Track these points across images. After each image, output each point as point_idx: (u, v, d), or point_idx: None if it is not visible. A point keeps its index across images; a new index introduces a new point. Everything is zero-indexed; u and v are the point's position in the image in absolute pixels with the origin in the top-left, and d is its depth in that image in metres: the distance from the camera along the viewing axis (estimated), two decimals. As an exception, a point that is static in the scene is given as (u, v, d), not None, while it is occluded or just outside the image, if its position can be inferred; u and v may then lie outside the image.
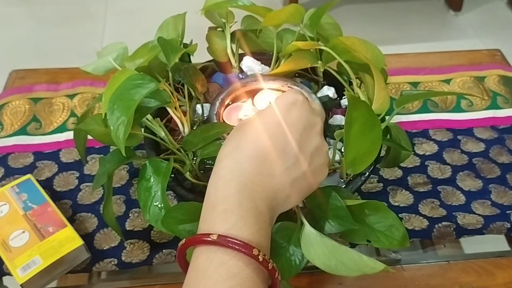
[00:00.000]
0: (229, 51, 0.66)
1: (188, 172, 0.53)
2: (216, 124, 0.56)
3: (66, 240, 0.56)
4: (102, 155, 0.70)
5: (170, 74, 0.58)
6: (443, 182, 0.67)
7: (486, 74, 0.85)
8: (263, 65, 0.65)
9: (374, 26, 2.07)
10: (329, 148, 0.49)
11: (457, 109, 0.78)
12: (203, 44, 0.67)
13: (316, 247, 0.42)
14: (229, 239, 0.35)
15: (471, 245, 0.63)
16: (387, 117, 0.55)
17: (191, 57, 0.66)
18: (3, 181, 0.67)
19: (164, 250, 0.59)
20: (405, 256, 0.61)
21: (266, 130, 0.40)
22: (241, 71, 0.66)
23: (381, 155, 0.59)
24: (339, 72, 0.61)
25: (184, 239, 0.38)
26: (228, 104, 0.60)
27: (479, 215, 0.63)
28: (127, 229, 0.61)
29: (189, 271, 0.37)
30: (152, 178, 0.50)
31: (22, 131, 0.74)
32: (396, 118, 0.72)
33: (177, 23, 0.63)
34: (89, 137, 0.55)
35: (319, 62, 0.61)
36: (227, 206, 0.37)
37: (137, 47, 0.61)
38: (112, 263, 0.58)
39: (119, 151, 0.47)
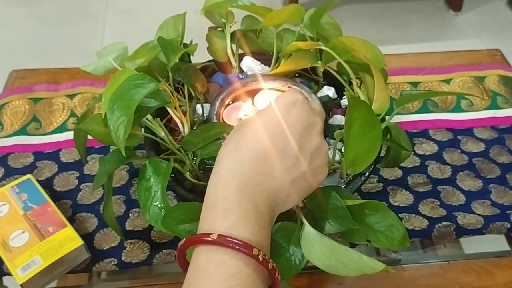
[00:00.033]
0: (229, 51, 0.66)
1: (188, 172, 0.53)
2: (216, 124, 0.56)
3: (66, 240, 0.56)
4: (102, 155, 0.70)
5: (170, 74, 0.58)
6: (443, 182, 0.67)
7: (486, 74, 0.85)
8: (263, 65, 0.65)
9: (374, 26, 2.07)
10: (329, 148, 0.49)
11: (457, 109, 0.78)
12: (203, 44, 0.67)
13: (316, 247, 0.42)
14: (229, 239, 0.35)
15: (471, 245, 0.63)
16: (387, 117, 0.55)
17: (191, 57, 0.66)
18: (3, 181, 0.67)
19: (164, 250, 0.59)
20: (405, 256, 0.61)
21: (266, 129, 0.40)
22: (241, 71, 0.66)
23: (381, 155, 0.59)
24: (339, 72, 0.61)
25: (184, 239, 0.38)
26: (228, 104, 0.60)
27: (479, 215, 0.63)
28: (127, 229, 0.61)
29: (189, 271, 0.37)
30: (152, 178, 0.50)
31: (22, 131, 0.74)
32: (396, 118, 0.72)
33: (177, 23, 0.63)
34: (89, 137, 0.55)
35: (319, 62, 0.61)
36: (227, 205, 0.37)
37: (137, 47, 0.61)
38: (112, 263, 0.58)
39: (119, 151, 0.47)
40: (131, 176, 0.67)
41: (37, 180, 0.63)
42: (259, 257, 0.35)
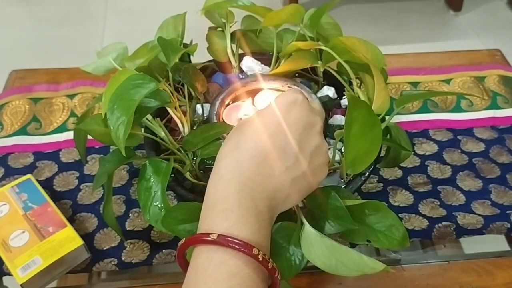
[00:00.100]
0: (229, 51, 0.66)
1: (188, 172, 0.53)
2: (216, 124, 0.56)
3: (66, 240, 0.56)
4: (102, 155, 0.70)
5: (170, 74, 0.58)
6: (443, 182, 0.67)
7: (486, 74, 0.85)
8: (263, 65, 0.65)
9: (374, 26, 2.07)
10: (329, 148, 0.49)
11: (457, 109, 0.78)
12: (203, 44, 0.67)
13: (316, 247, 0.42)
14: (229, 239, 0.35)
15: (471, 245, 0.63)
16: (387, 117, 0.55)
17: (191, 57, 0.66)
18: (3, 181, 0.67)
19: (164, 250, 0.59)
20: (405, 256, 0.61)
21: (266, 129, 0.40)
22: (241, 71, 0.66)
23: (381, 155, 0.59)
24: (339, 72, 0.61)
25: (184, 239, 0.38)
26: (228, 104, 0.60)
27: (479, 215, 0.63)
28: (127, 229, 0.61)
29: (189, 271, 0.37)
30: (152, 178, 0.50)
31: (22, 131, 0.74)
32: (396, 118, 0.72)
33: (177, 23, 0.63)
34: (89, 137, 0.55)
35: (319, 62, 0.61)
36: (227, 205, 0.37)
37: (137, 47, 0.61)
38: (112, 263, 0.58)
39: (119, 151, 0.47)
40: (131, 176, 0.67)
41: (37, 180, 0.63)
42: (259, 256, 0.35)
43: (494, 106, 0.79)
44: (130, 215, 0.63)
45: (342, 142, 0.47)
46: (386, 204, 0.49)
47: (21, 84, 0.83)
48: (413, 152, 0.70)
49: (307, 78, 0.67)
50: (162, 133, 0.56)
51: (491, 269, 0.59)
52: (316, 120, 0.43)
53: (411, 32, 2.04)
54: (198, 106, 0.61)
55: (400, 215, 0.62)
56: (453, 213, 0.63)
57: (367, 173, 0.53)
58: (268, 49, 0.66)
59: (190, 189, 0.53)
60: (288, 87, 0.61)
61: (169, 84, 0.58)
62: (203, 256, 0.36)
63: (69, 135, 0.73)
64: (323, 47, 0.57)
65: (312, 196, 0.44)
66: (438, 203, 0.64)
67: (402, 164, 0.68)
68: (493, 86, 0.82)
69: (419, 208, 0.63)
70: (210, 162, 0.55)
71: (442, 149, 0.71)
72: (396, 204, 0.64)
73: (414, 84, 0.83)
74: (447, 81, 0.83)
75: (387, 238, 0.46)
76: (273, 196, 0.39)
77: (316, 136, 0.42)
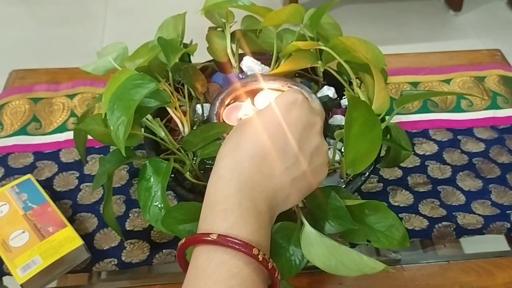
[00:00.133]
0: (229, 51, 0.66)
1: (188, 172, 0.53)
2: (216, 124, 0.56)
3: (66, 240, 0.56)
4: (102, 155, 0.70)
5: (170, 74, 0.58)
6: (443, 182, 0.67)
7: (486, 74, 0.85)
8: (263, 65, 0.65)
9: (374, 26, 2.07)
10: (329, 148, 0.49)
11: (457, 109, 0.78)
12: (203, 44, 0.67)
13: (316, 247, 0.42)
14: (229, 239, 0.35)
15: (471, 245, 0.63)
16: (387, 117, 0.55)
17: (191, 57, 0.66)
18: (3, 181, 0.67)
19: (164, 250, 0.59)
20: (405, 256, 0.61)
21: (266, 129, 0.40)
22: (241, 71, 0.66)
23: (381, 155, 0.59)
24: (339, 72, 0.61)
25: (184, 239, 0.38)
26: (228, 104, 0.60)
27: (479, 215, 0.63)
28: (127, 229, 0.61)
29: (189, 271, 0.37)
30: (152, 178, 0.50)
31: (22, 131, 0.74)
32: (396, 118, 0.72)
33: (177, 23, 0.63)
34: (89, 137, 0.55)
35: (319, 62, 0.61)
36: (227, 205, 0.37)
37: (137, 47, 0.61)
38: (112, 263, 0.58)
39: (119, 151, 0.47)
40: (131, 176, 0.67)
41: (37, 180, 0.63)
42: (259, 256, 0.35)
43: (494, 106, 0.79)
44: (130, 215, 0.63)
45: (342, 142, 0.47)
46: (386, 204, 0.49)
47: (21, 84, 0.83)
48: (413, 152, 0.70)
49: (307, 78, 0.67)
50: (162, 133, 0.56)
51: (491, 269, 0.59)
52: (316, 120, 0.43)
53: (411, 32, 2.04)
54: (198, 106, 0.61)
55: (400, 215, 0.62)
56: (453, 213, 0.63)
57: (367, 173, 0.53)
58: (268, 49, 0.66)
59: (190, 189, 0.53)
60: (288, 87, 0.61)
61: (169, 84, 0.58)
62: (203, 256, 0.36)
63: (69, 135, 0.73)
64: (323, 47, 0.57)
65: (312, 196, 0.44)
66: (438, 203, 0.64)
67: (402, 164, 0.68)
68: (493, 86, 0.82)
69: (419, 208, 0.63)
70: (210, 162, 0.55)
71: (442, 149, 0.71)
72: (396, 204, 0.64)
73: (414, 84, 0.83)
74: (447, 81, 0.83)
75: (387, 238, 0.46)
76: (273, 196, 0.39)
77: (316, 136, 0.42)
